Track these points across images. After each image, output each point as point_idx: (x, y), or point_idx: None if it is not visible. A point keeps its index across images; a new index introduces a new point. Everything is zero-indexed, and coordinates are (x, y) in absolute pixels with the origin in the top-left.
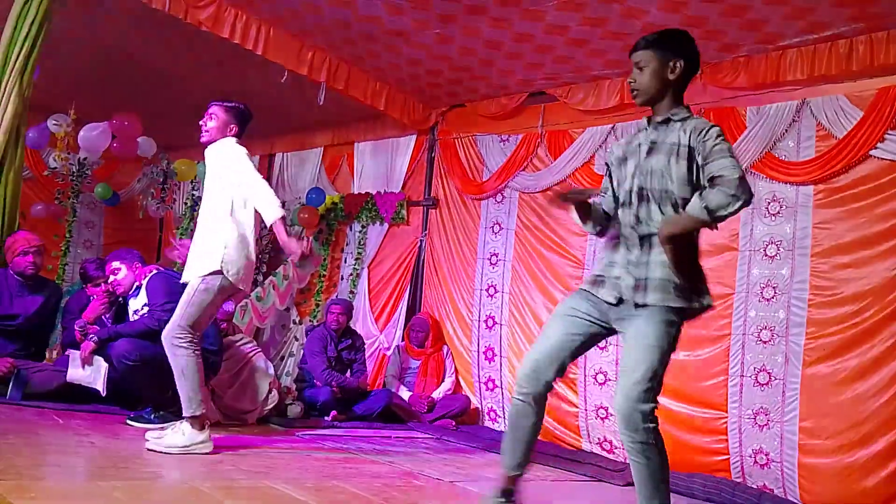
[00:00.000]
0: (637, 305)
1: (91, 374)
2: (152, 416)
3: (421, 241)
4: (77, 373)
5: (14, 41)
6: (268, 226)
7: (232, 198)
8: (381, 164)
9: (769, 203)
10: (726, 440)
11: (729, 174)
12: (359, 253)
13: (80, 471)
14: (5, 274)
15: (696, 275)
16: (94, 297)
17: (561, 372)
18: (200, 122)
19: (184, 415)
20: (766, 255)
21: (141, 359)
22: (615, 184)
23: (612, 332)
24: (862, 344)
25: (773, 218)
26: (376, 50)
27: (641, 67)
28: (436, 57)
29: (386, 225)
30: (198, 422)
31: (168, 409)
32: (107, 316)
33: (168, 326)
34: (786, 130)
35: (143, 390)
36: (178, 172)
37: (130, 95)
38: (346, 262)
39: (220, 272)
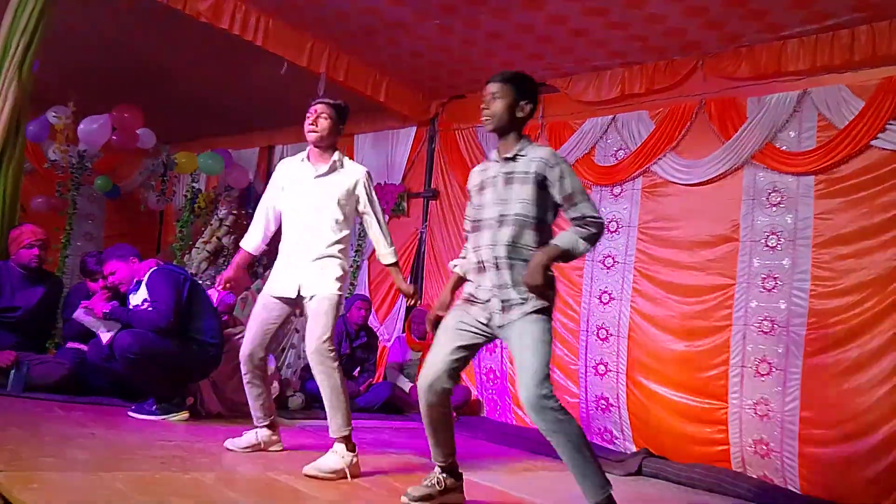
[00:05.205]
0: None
1: (99, 323)
2: (154, 407)
3: (421, 232)
4: (87, 318)
5: (13, 33)
6: None
7: None
8: (382, 156)
9: (770, 194)
10: (727, 430)
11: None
12: (359, 245)
13: (82, 462)
14: (6, 266)
15: (549, 282)
16: (95, 292)
17: (456, 380)
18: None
19: (338, 435)
20: (767, 246)
21: (143, 352)
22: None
23: (494, 338)
24: (863, 334)
25: (775, 208)
26: (376, 41)
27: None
28: (436, 48)
29: (386, 217)
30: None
31: (170, 401)
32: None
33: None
34: (787, 121)
35: (144, 383)
36: (179, 165)
37: (131, 88)
38: None
39: None
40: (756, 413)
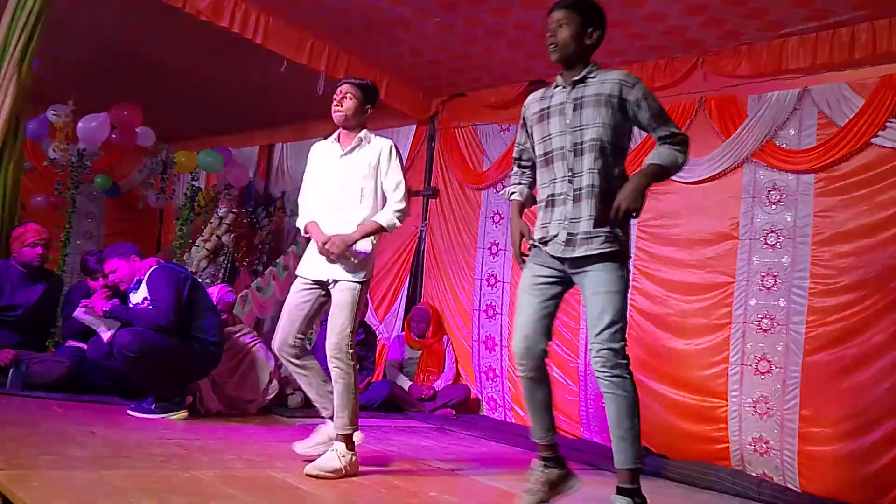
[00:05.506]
0: (580, 258)
1: (100, 322)
2: (153, 406)
3: (421, 231)
4: (87, 316)
5: (12, 31)
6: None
7: None
8: None
9: (770, 191)
10: (726, 428)
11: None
12: None
13: (82, 460)
14: (7, 264)
15: (625, 227)
16: (96, 290)
17: (549, 337)
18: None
19: (341, 433)
20: (767, 244)
21: (143, 350)
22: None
23: (571, 284)
24: (863, 332)
25: (774, 206)
26: (376, 39)
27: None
28: (436, 46)
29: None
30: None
31: (169, 400)
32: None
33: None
34: (787, 118)
35: (144, 381)
36: (178, 163)
37: (130, 86)
38: None
39: None
40: (756, 411)
